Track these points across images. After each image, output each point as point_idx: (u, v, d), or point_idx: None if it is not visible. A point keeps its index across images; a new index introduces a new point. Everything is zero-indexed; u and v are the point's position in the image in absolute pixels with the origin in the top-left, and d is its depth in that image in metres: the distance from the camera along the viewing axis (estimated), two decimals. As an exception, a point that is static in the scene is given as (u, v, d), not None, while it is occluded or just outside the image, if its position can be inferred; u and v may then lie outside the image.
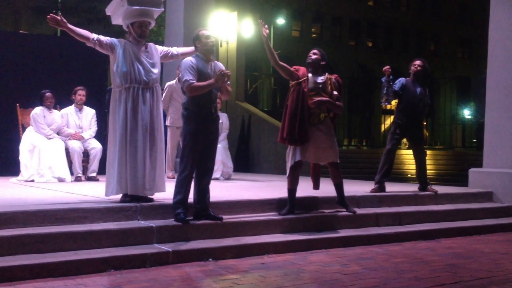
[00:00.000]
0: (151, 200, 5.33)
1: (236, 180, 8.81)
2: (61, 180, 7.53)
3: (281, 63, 5.85)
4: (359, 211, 6.17)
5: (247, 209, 5.62)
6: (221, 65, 5.43)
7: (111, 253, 4.40)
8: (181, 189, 5.10)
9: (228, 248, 4.87)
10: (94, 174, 7.96)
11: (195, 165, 5.18)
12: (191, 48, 5.97)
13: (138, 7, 5.36)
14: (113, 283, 3.97)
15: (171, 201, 5.26)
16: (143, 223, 4.92)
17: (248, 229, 5.31)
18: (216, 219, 5.17)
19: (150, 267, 4.43)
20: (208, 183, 5.28)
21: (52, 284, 3.89)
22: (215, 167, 8.65)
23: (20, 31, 13.29)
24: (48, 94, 7.87)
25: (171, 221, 5.03)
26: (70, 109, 8.19)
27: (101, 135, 8.68)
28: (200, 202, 5.21)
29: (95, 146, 8.04)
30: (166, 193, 5.47)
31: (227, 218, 5.32)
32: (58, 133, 7.94)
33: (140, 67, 5.35)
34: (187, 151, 5.14)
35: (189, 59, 5.23)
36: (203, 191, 5.23)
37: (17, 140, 7.85)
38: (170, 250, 4.61)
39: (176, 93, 8.77)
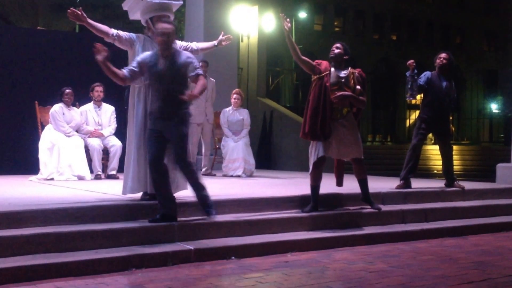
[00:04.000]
0: (172, 197, 5.25)
1: (258, 177, 8.73)
2: (80, 178, 7.52)
3: (303, 57, 5.75)
4: (384, 208, 6.04)
5: (270, 207, 5.53)
6: None
7: (132, 252, 4.35)
8: None
9: (250, 246, 4.79)
10: (114, 172, 7.93)
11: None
12: (212, 43, 5.91)
13: (156, 1, 5.29)
14: (135, 282, 3.92)
15: (192, 199, 5.20)
16: (164, 221, 4.84)
17: (271, 226, 5.22)
18: None
19: (171, 266, 4.37)
20: None
21: (73, 283, 3.85)
22: (237, 164, 8.67)
23: (38, 28, 13.36)
24: (67, 90, 7.84)
25: (192, 219, 4.97)
26: (89, 106, 8.17)
27: (121, 132, 8.65)
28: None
29: (115, 144, 8.01)
30: (187, 191, 5.41)
31: (250, 215, 5.23)
32: (77, 131, 7.92)
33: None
34: None
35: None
36: None
37: (36, 138, 7.86)
38: (192, 248, 4.54)
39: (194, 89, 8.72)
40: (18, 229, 4.31)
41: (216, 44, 5.88)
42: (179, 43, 5.61)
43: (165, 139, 4.86)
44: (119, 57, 5.73)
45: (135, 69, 4.96)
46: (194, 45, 5.75)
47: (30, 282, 3.83)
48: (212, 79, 8.96)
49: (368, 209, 5.88)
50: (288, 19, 5.67)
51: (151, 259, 4.34)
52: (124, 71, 4.95)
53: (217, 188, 6.80)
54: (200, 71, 4.93)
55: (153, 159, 4.81)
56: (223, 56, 10.44)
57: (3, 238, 4.11)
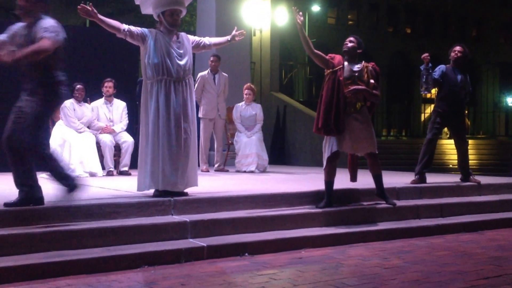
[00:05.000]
0: (185, 194, 5.22)
1: (271, 172, 8.69)
2: (92, 174, 7.50)
3: (316, 51, 5.69)
4: (399, 203, 5.96)
5: (284, 203, 5.48)
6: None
7: (145, 249, 4.32)
8: None
9: (264, 243, 4.74)
10: (126, 168, 7.92)
11: None
12: (225, 38, 5.86)
13: None
14: (148, 279, 3.89)
15: (205, 195, 5.18)
16: (176, 218, 4.82)
17: (285, 223, 5.16)
18: None
19: (184, 263, 4.33)
20: None
21: (85, 280, 3.82)
22: (250, 160, 8.61)
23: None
24: (78, 86, 7.83)
25: (205, 216, 4.93)
26: (100, 102, 8.14)
27: (133, 128, 8.64)
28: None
29: (127, 140, 7.99)
30: (199, 187, 5.38)
31: (264, 211, 5.18)
32: (88, 127, 7.90)
33: (171, 58, 5.24)
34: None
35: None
36: None
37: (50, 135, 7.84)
38: (204, 245, 4.50)
39: (209, 84, 8.69)
40: (30, 226, 4.29)
41: (229, 39, 5.83)
42: (191, 38, 5.57)
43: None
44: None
45: (136, 32, 5.17)
46: (207, 40, 5.71)
47: (42, 279, 3.80)
48: (224, 74, 8.91)
49: (382, 205, 5.81)
50: (301, 13, 5.60)
51: (163, 256, 4.30)
52: (126, 26, 5.16)
53: (230, 184, 6.77)
54: (46, 34, 4.49)
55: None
56: (235, 51, 10.38)
57: (16, 235, 4.10)
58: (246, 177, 7.79)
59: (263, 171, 8.68)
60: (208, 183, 5.76)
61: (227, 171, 8.80)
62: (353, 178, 5.99)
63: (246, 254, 4.60)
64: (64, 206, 4.57)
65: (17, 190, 4.53)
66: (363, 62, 5.78)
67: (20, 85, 4.59)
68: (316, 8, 31.76)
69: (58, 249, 4.16)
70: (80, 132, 7.70)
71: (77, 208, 4.60)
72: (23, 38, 4.53)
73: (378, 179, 5.82)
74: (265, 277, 3.92)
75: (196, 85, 8.26)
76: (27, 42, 4.49)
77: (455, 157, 7.52)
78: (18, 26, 4.61)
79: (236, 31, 5.85)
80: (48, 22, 4.57)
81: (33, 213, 4.40)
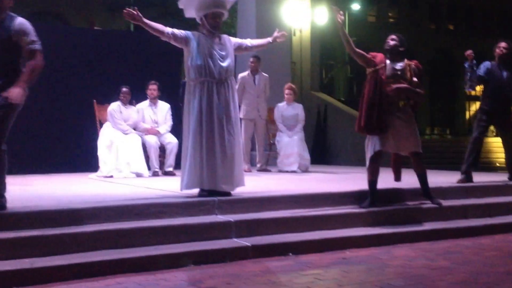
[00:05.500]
0: (229, 194, 5.27)
1: (313, 172, 8.66)
2: (139, 175, 7.65)
3: (357, 50, 5.65)
4: (445, 203, 5.86)
5: (327, 202, 5.46)
6: (18, 24, 4.35)
7: (190, 248, 4.38)
8: None
9: (308, 243, 4.74)
10: (171, 169, 8.03)
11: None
12: (266, 40, 5.89)
13: None
14: (194, 278, 3.95)
15: (248, 195, 5.21)
16: (221, 218, 4.86)
17: (329, 223, 5.15)
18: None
19: (229, 262, 4.36)
20: None
21: (133, 279, 3.90)
22: (292, 160, 8.62)
23: (95, 28, 13.66)
24: (124, 89, 8.01)
25: (250, 215, 4.96)
26: (145, 104, 8.30)
27: (177, 129, 8.75)
28: None
29: (171, 141, 8.11)
30: (242, 187, 5.41)
31: (307, 211, 5.19)
32: (134, 128, 8.06)
33: (213, 60, 5.30)
34: None
35: None
36: None
37: (95, 136, 8.04)
38: (249, 244, 4.53)
39: (249, 85, 8.74)
40: (80, 226, 4.40)
41: (271, 41, 5.85)
42: (233, 40, 5.62)
43: None
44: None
45: (179, 34, 5.25)
46: (249, 42, 5.76)
47: (92, 278, 3.89)
48: (265, 74, 8.94)
49: (428, 204, 5.73)
50: (341, 12, 5.58)
51: (209, 255, 4.35)
52: (169, 29, 5.23)
53: (272, 184, 6.79)
54: (36, 46, 4.36)
55: None
56: (275, 51, 10.39)
57: (65, 235, 4.21)
58: (288, 177, 7.79)
59: (305, 171, 8.67)
60: (250, 183, 5.79)
61: (269, 171, 8.83)
62: (397, 178, 5.92)
63: (290, 254, 4.61)
64: (111, 206, 4.67)
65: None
66: (406, 60, 5.72)
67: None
68: (356, 6, 31.48)
69: (106, 248, 4.25)
70: (126, 134, 7.86)
71: (125, 208, 4.70)
72: None
73: (422, 178, 5.74)
74: (309, 277, 3.93)
75: (236, 87, 8.31)
76: None
77: (502, 155, 7.36)
78: None
79: (277, 32, 5.87)
80: (26, 23, 4.39)
81: (82, 213, 4.51)
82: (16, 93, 4.22)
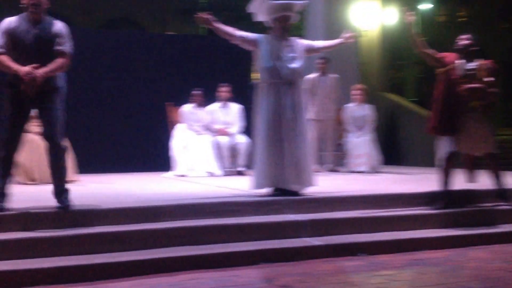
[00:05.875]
0: (299, 193, 5.32)
1: (383, 173, 8.57)
2: (211, 174, 7.84)
3: (427, 50, 5.57)
4: (521, 204, 5.69)
5: (398, 203, 5.41)
6: (58, 28, 4.53)
7: (263, 246, 4.45)
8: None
9: (380, 243, 4.72)
10: (242, 169, 8.18)
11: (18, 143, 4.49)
12: (335, 41, 5.91)
13: (280, 2, 5.40)
14: (266, 276, 4.01)
15: (318, 195, 5.24)
16: (292, 217, 4.92)
17: (401, 224, 5.10)
18: (63, 207, 4.45)
19: (301, 261, 4.41)
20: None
21: (208, 274, 4.01)
22: (361, 160, 8.56)
23: (167, 33, 14.03)
24: (196, 92, 8.24)
25: (321, 215, 5.00)
26: (217, 106, 8.49)
27: (247, 130, 8.90)
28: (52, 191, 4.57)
29: (242, 141, 8.26)
30: (314, 187, 5.45)
31: (378, 212, 5.17)
32: (206, 129, 8.27)
33: (282, 62, 5.37)
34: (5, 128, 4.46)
35: (9, 18, 4.49)
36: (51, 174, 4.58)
37: (169, 137, 8.29)
38: (321, 244, 4.56)
39: (317, 86, 8.75)
40: (156, 223, 4.57)
41: (340, 42, 5.86)
42: (302, 42, 5.68)
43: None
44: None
45: (249, 37, 5.35)
46: (318, 43, 5.83)
47: (168, 273, 4.02)
48: (333, 75, 8.93)
49: (503, 206, 5.57)
50: (411, 12, 5.52)
51: (280, 253, 4.41)
52: (240, 32, 5.34)
53: (342, 184, 6.78)
54: (68, 49, 4.53)
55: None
56: (344, 52, 10.32)
57: (142, 231, 4.39)
58: (358, 177, 7.76)
59: (375, 171, 8.59)
60: (320, 184, 5.81)
61: (338, 171, 8.81)
62: (471, 179, 5.79)
63: (362, 254, 4.60)
64: (186, 204, 4.83)
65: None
66: (478, 59, 5.59)
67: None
68: (426, 6, 30.77)
69: (181, 244, 4.39)
70: (199, 135, 8.08)
71: (198, 206, 4.84)
72: (31, 36, 4.43)
73: (497, 179, 5.59)
74: (383, 278, 3.91)
75: (305, 88, 8.34)
76: (37, 40, 4.45)
77: None
78: (13, 23, 4.44)
79: (346, 33, 5.87)
80: (63, 26, 4.58)
81: (158, 210, 4.68)
82: (41, 72, 4.35)
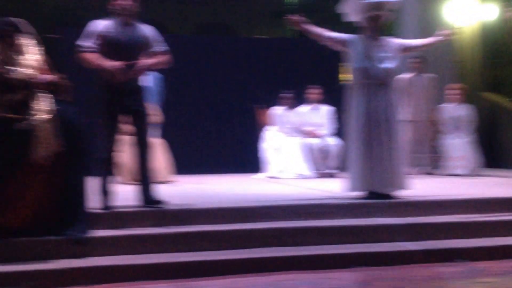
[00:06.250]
0: (392, 197, 5.20)
1: (483, 176, 8.20)
2: (301, 176, 7.83)
3: None
4: None
5: (500, 208, 5.14)
6: (149, 32, 4.76)
7: (356, 249, 4.40)
8: (102, 171, 4.69)
9: (480, 249, 4.51)
10: (333, 171, 8.12)
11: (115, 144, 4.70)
12: (431, 39, 5.74)
13: (371, 0, 5.31)
14: (361, 280, 3.96)
15: (412, 199, 5.11)
16: (386, 220, 4.82)
17: (502, 229, 4.85)
18: (159, 206, 4.65)
19: (396, 265, 4.30)
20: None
21: (301, 276, 4.00)
22: (459, 163, 8.24)
23: (255, 36, 14.16)
24: (286, 94, 8.27)
25: (415, 219, 4.85)
26: (307, 108, 8.48)
27: (339, 131, 8.82)
28: (140, 190, 4.75)
29: (333, 143, 8.20)
30: (408, 190, 5.31)
31: (478, 216, 4.95)
32: (297, 131, 8.28)
33: (374, 62, 5.28)
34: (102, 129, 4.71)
35: (98, 20, 4.68)
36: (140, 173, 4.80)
37: (260, 139, 8.38)
38: (416, 248, 4.44)
39: (412, 86, 8.54)
40: (250, 223, 4.62)
41: (436, 40, 5.69)
42: (395, 41, 5.56)
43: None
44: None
45: (339, 38, 5.31)
46: (413, 42, 5.71)
47: (262, 273, 4.05)
48: (429, 75, 8.68)
49: None
50: (510, 8, 5.25)
51: (375, 257, 4.33)
52: (329, 33, 5.32)
53: (438, 187, 6.56)
54: (165, 48, 4.77)
55: None
56: (439, 50, 9.98)
57: (237, 231, 4.45)
58: (455, 180, 7.47)
59: (473, 174, 8.24)
60: (414, 186, 5.65)
61: (434, 174, 8.53)
62: None
63: (460, 260, 4.41)
64: (281, 205, 4.86)
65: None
66: None
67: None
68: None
69: (276, 245, 4.41)
70: (289, 137, 8.11)
71: (289, 208, 4.84)
72: (124, 38, 4.64)
73: None
74: (483, 285, 3.75)
75: (399, 88, 8.16)
76: (130, 42, 4.65)
77: None
78: (103, 25, 4.64)
79: (442, 31, 5.68)
80: (153, 30, 4.79)
81: (255, 211, 4.73)
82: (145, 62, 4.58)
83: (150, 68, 4.91)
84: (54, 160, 4.05)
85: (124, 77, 4.50)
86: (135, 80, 4.67)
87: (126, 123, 4.75)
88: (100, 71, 4.60)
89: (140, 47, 4.70)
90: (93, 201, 4.42)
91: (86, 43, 4.59)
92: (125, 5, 4.60)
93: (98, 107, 4.66)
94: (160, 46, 4.77)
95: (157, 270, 3.96)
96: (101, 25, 4.64)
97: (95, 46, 4.60)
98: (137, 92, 4.71)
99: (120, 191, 4.86)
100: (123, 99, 4.60)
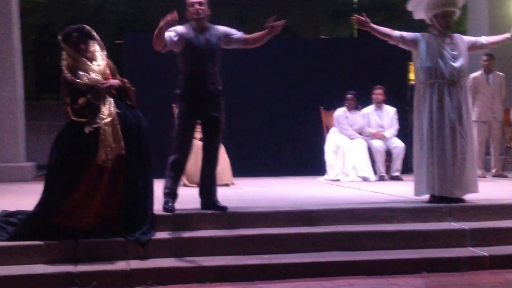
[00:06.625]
0: (462, 200, 5.02)
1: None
2: (365, 179, 7.68)
3: None
4: None
5: None
6: (223, 29, 4.84)
7: (422, 255, 4.29)
8: (171, 174, 4.71)
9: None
10: (397, 174, 7.92)
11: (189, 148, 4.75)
12: (503, 36, 5.52)
13: None
14: (427, 285, 3.87)
15: (483, 202, 4.92)
16: (454, 225, 4.67)
17: None
18: (221, 209, 4.62)
19: (464, 272, 4.17)
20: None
21: (365, 281, 3.93)
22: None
23: (321, 36, 14.05)
24: (348, 95, 8.13)
25: (486, 223, 4.69)
26: (370, 109, 8.32)
27: (403, 133, 8.61)
28: (203, 193, 4.78)
29: (398, 145, 8.01)
30: (478, 194, 5.11)
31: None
32: (360, 133, 8.13)
33: (444, 61, 5.12)
34: (177, 132, 4.72)
35: (178, 25, 4.72)
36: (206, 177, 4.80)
37: (322, 141, 8.27)
38: (486, 254, 4.28)
39: (482, 85, 8.23)
40: (311, 227, 4.57)
41: (507, 37, 5.45)
42: (465, 38, 5.37)
43: None
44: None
45: (408, 37, 5.19)
46: (483, 39, 5.47)
47: (325, 277, 4.01)
48: (500, 73, 8.34)
49: None
50: None
51: (442, 263, 4.22)
52: (398, 32, 5.23)
53: (510, 191, 6.29)
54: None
55: None
56: (509, 48, 9.62)
57: (298, 235, 4.42)
58: None
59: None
60: (485, 190, 5.43)
61: (506, 176, 8.19)
62: None
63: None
64: (340, 209, 4.78)
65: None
66: None
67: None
68: None
69: (337, 249, 4.36)
70: (352, 139, 7.98)
71: (353, 211, 4.76)
72: (202, 41, 4.69)
73: None
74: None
75: (468, 87, 7.89)
76: (208, 45, 4.71)
77: None
78: (180, 30, 4.69)
79: None
80: (225, 26, 4.89)
81: (314, 214, 4.67)
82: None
83: None
84: (119, 163, 4.15)
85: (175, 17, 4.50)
86: (215, 84, 4.72)
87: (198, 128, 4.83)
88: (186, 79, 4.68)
89: (217, 49, 4.78)
90: (157, 203, 4.49)
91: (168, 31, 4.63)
92: (199, 10, 4.68)
93: (177, 112, 4.76)
94: (237, 32, 4.85)
95: (218, 273, 3.99)
96: (179, 28, 4.72)
97: (172, 37, 4.62)
98: (217, 97, 4.75)
99: (182, 193, 4.91)
100: (202, 104, 4.67)
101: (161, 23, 4.36)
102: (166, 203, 4.58)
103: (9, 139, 8.33)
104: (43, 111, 12.68)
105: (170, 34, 4.60)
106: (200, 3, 4.66)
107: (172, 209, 4.55)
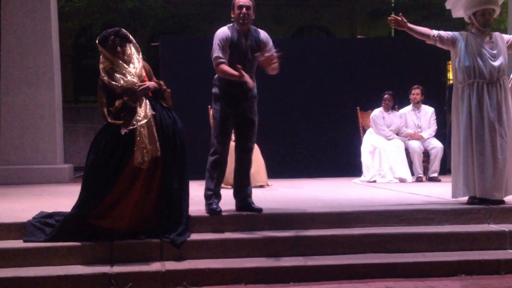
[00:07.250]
0: (502, 202, 4.91)
1: None
2: (402, 180, 7.59)
3: None
4: None
5: None
6: (264, 36, 4.80)
7: (461, 257, 4.21)
8: (213, 175, 4.67)
9: None
10: (435, 175, 7.81)
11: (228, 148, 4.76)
12: (543, 36, 5.37)
13: None
14: (463, 289, 3.78)
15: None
16: (494, 227, 4.58)
17: None
18: (256, 210, 4.59)
19: (504, 274, 4.09)
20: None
21: (402, 284, 3.89)
22: None
23: (358, 36, 13.95)
24: (385, 96, 8.05)
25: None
26: (408, 109, 8.23)
27: (441, 133, 8.47)
28: (237, 194, 4.76)
29: (436, 146, 7.89)
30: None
31: None
32: (397, 134, 8.04)
33: (483, 60, 5.01)
34: (216, 132, 4.72)
35: (222, 30, 4.73)
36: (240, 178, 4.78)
37: (359, 142, 8.22)
38: (527, 257, 4.17)
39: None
40: (347, 228, 4.53)
41: None
42: (505, 37, 5.26)
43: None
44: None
45: (446, 36, 5.12)
46: (522, 38, 5.32)
47: (361, 280, 3.98)
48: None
49: None
50: None
51: (481, 266, 4.14)
52: (435, 32, 5.15)
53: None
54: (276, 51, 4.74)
55: None
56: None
57: (334, 236, 4.38)
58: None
59: None
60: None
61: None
62: None
63: None
64: (377, 210, 4.73)
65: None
66: None
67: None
68: None
69: (373, 251, 4.32)
70: (389, 139, 7.89)
71: (390, 213, 4.70)
72: (244, 45, 4.73)
73: None
74: None
75: (510, 86, 7.70)
76: (250, 49, 4.74)
77: None
78: (226, 35, 4.71)
79: None
80: (267, 35, 4.87)
81: (350, 216, 4.63)
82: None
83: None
84: (155, 165, 4.20)
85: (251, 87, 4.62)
86: (253, 87, 4.74)
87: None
88: (225, 79, 4.68)
89: (254, 56, 4.80)
90: (193, 204, 4.52)
91: (221, 54, 4.67)
92: (246, 15, 4.71)
93: (215, 114, 4.78)
94: (273, 51, 4.81)
95: (253, 274, 3.99)
96: (225, 34, 4.74)
97: (224, 56, 4.70)
98: (253, 101, 4.79)
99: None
100: (240, 106, 4.69)
101: (242, 77, 4.45)
102: (210, 204, 4.60)
103: (47, 142, 8.52)
104: (80, 114, 12.92)
105: (226, 50, 4.68)
106: (247, 7, 4.69)
107: (218, 210, 4.55)
